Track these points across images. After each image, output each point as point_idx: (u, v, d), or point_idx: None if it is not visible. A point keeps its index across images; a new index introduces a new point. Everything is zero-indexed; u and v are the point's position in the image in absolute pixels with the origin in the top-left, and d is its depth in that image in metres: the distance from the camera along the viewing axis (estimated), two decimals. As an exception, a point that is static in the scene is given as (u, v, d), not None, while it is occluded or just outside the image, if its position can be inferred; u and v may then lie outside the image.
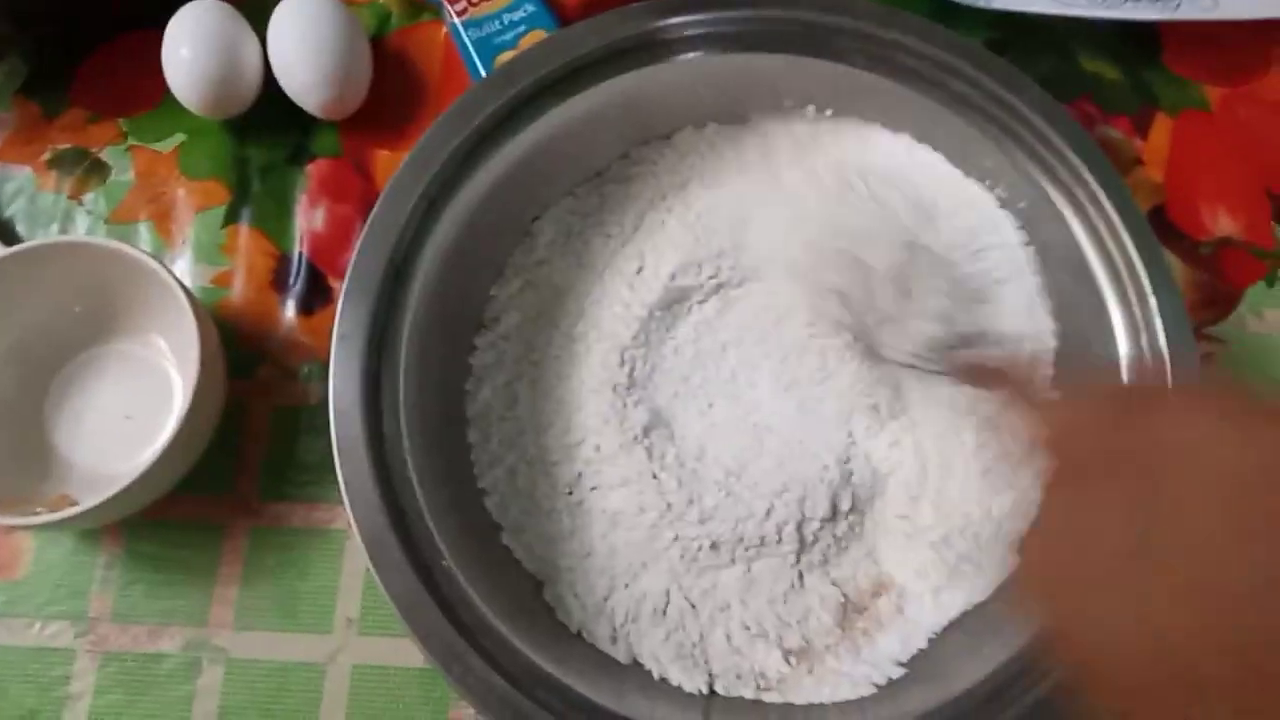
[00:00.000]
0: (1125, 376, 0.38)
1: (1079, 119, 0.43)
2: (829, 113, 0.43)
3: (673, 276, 0.41)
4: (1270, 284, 0.47)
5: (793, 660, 0.38)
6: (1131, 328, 0.38)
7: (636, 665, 0.38)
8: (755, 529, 0.38)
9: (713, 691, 0.37)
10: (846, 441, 0.40)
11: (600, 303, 0.42)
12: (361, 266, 0.37)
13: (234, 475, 0.43)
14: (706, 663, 0.38)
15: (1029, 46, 0.49)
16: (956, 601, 0.38)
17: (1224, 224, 0.47)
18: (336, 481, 0.36)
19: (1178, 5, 0.48)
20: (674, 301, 0.42)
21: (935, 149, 0.43)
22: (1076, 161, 0.40)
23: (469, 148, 0.39)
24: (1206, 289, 0.46)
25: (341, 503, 0.35)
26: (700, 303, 0.42)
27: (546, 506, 0.40)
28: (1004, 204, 0.42)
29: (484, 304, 0.42)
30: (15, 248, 0.41)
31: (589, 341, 0.42)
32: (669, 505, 0.39)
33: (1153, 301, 0.38)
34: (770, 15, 0.41)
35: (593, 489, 0.40)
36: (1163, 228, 0.47)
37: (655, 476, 0.39)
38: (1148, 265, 0.39)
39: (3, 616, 0.41)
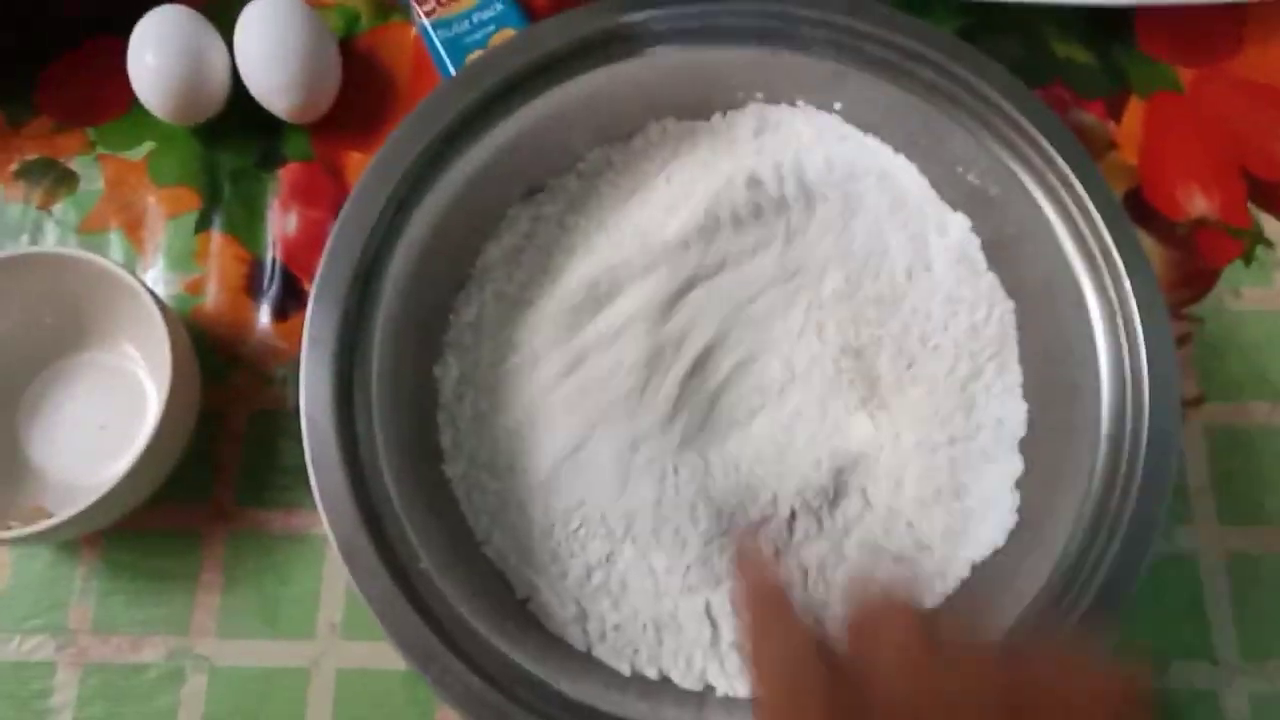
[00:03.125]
0: (1103, 363, 0.38)
1: (1051, 104, 0.43)
2: (799, 103, 0.43)
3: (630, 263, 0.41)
4: (1247, 262, 0.47)
5: None
6: (1108, 310, 0.38)
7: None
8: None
9: (708, 686, 0.37)
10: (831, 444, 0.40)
11: (555, 296, 0.41)
12: (330, 270, 0.37)
13: (211, 482, 0.43)
14: (701, 661, 0.37)
15: (999, 32, 0.49)
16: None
17: (1199, 204, 0.47)
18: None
19: (1147, -13, 0.48)
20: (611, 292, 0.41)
21: (904, 137, 0.42)
22: (1048, 147, 0.39)
23: (437, 148, 0.39)
24: (1184, 269, 0.46)
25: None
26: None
27: (516, 514, 0.39)
28: (967, 192, 0.42)
29: (453, 305, 0.41)
30: (-17, 260, 0.40)
31: (545, 333, 0.41)
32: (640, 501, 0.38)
33: (1127, 283, 0.38)
34: (738, 8, 0.41)
35: (562, 493, 0.39)
36: (1138, 210, 0.47)
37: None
38: (1121, 247, 0.38)
39: (-18, 631, 0.41)
